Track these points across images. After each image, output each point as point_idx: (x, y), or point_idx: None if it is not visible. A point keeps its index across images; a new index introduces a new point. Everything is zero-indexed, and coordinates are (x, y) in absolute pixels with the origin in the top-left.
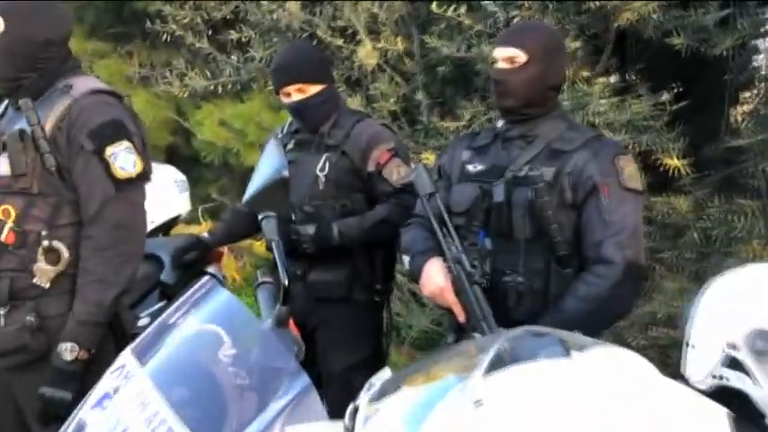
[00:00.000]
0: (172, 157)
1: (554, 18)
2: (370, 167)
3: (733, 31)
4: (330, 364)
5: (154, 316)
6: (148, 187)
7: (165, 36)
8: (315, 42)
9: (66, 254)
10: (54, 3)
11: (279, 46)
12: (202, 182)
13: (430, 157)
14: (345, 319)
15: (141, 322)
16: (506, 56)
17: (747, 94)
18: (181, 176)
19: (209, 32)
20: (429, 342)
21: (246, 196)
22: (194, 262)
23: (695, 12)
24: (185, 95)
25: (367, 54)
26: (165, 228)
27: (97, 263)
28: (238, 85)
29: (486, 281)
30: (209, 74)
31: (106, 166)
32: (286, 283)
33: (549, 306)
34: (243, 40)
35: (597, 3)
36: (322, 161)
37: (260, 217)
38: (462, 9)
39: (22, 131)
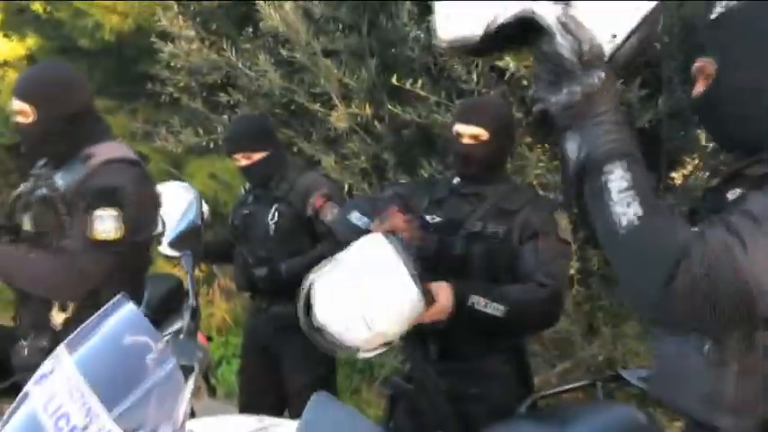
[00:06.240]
0: None
1: (500, 90)
2: (309, 211)
3: (653, 106)
4: (292, 385)
5: None
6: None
7: (164, 97)
8: (293, 107)
9: (72, 303)
10: (71, 76)
11: (263, 108)
12: None
13: None
14: (302, 345)
15: None
16: (471, 133)
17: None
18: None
19: (203, 95)
20: None
21: (168, 239)
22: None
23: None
24: (180, 150)
25: (339, 118)
26: None
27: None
28: None
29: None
30: (201, 131)
31: (90, 224)
32: (194, 303)
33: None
34: (232, 102)
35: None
36: (272, 212)
37: (179, 254)
38: (419, 82)
39: (44, 196)
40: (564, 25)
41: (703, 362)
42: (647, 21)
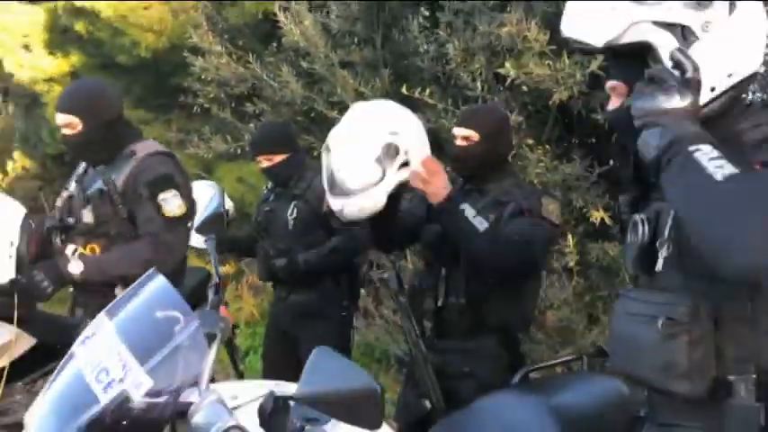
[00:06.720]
0: None
1: (503, 96)
2: (325, 208)
3: None
4: None
5: None
6: None
7: (195, 108)
8: (313, 114)
9: None
10: (106, 88)
11: (286, 116)
12: None
13: None
14: (319, 330)
15: None
16: (463, 135)
17: None
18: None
19: (232, 105)
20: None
21: (196, 224)
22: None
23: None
24: (210, 156)
25: None
26: None
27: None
28: None
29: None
30: (230, 138)
31: (158, 207)
32: (217, 280)
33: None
34: (258, 111)
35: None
36: (291, 208)
37: (204, 239)
38: (428, 91)
39: (101, 190)
40: (676, 58)
41: (657, 336)
42: (741, 83)
